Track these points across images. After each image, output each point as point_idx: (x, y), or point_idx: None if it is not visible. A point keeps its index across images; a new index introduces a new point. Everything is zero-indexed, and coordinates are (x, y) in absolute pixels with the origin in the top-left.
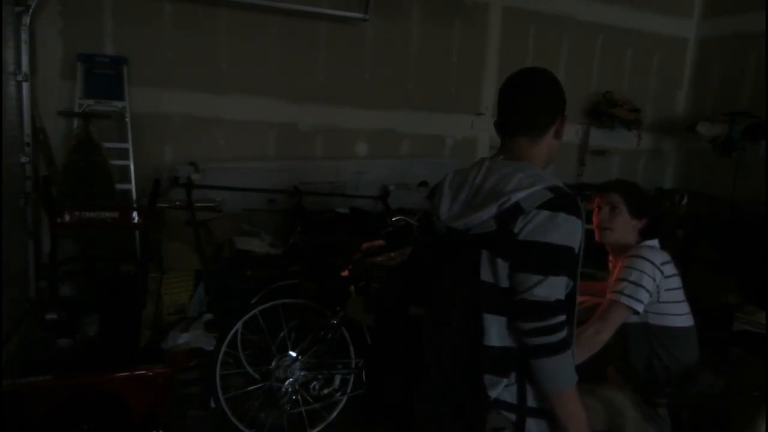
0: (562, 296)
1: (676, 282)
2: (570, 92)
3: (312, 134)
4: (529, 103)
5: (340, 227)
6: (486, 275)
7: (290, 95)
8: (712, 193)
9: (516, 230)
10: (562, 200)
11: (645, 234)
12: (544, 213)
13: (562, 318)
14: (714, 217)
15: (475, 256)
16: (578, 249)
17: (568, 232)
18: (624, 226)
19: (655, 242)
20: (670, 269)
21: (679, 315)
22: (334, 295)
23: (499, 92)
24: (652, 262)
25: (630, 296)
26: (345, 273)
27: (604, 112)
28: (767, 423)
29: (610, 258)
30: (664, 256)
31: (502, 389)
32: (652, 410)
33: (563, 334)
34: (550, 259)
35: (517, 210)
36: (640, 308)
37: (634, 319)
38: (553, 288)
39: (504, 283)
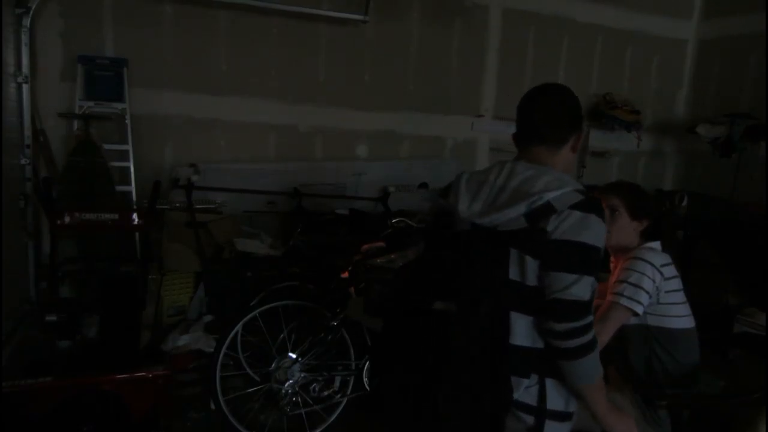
0: (590, 296)
1: (677, 284)
2: None
3: (312, 136)
4: (551, 117)
5: (340, 229)
6: (514, 273)
7: (290, 97)
8: (713, 194)
9: (549, 229)
10: (592, 202)
11: (646, 235)
12: (577, 213)
13: (592, 317)
14: (714, 218)
15: (503, 253)
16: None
17: (597, 233)
18: (624, 229)
19: (656, 244)
20: (671, 271)
21: (679, 317)
22: (334, 296)
23: (521, 104)
24: (652, 264)
25: (630, 298)
26: (345, 274)
27: (603, 113)
28: (767, 424)
29: (612, 259)
30: (665, 258)
31: (523, 391)
32: (652, 411)
33: (593, 332)
34: (584, 258)
35: (549, 209)
36: (639, 310)
37: (634, 320)
38: (586, 287)
39: (532, 281)
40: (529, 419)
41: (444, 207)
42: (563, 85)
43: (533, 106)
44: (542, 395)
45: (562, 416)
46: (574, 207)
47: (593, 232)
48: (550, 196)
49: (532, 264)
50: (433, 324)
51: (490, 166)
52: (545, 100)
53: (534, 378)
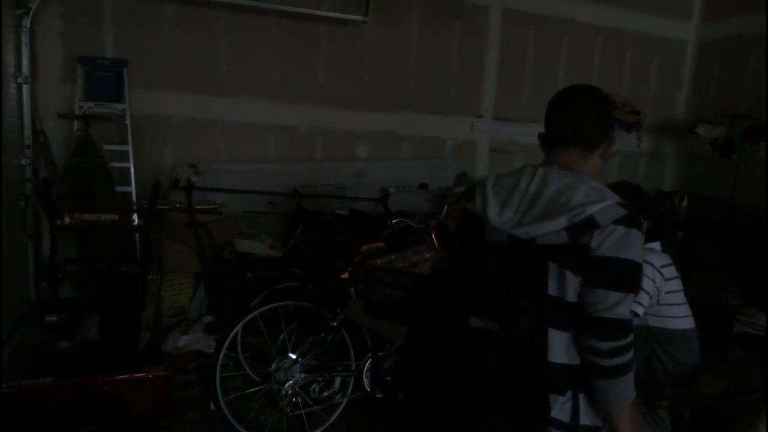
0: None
1: (677, 284)
2: None
3: (312, 136)
4: (587, 120)
5: (340, 229)
6: (552, 289)
7: (290, 97)
8: (712, 195)
9: (593, 245)
10: (633, 217)
11: (647, 236)
12: (621, 229)
13: (632, 336)
14: (714, 218)
15: (542, 268)
16: None
17: (640, 249)
18: None
19: (656, 245)
20: (671, 272)
21: (679, 317)
22: (334, 297)
23: (553, 105)
24: (652, 265)
25: None
26: (345, 275)
27: None
28: (767, 424)
29: None
30: (665, 259)
31: (558, 408)
32: (652, 412)
33: (633, 350)
34: (630, 276)
35: (592, 223)
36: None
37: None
38: (629, 306)
39: (571, 297)
40: None
41: (470, 211)
42: (598, 87)
43: (568, 108)
44: (575, 411)
45: (593, 431)
46: (618, 222)
47: (637, 248)
48: (593, 209)
49: (572, 280)
50: (473, 343)
51: (518, 170)
52: (582, 101)
53: (569, 395)
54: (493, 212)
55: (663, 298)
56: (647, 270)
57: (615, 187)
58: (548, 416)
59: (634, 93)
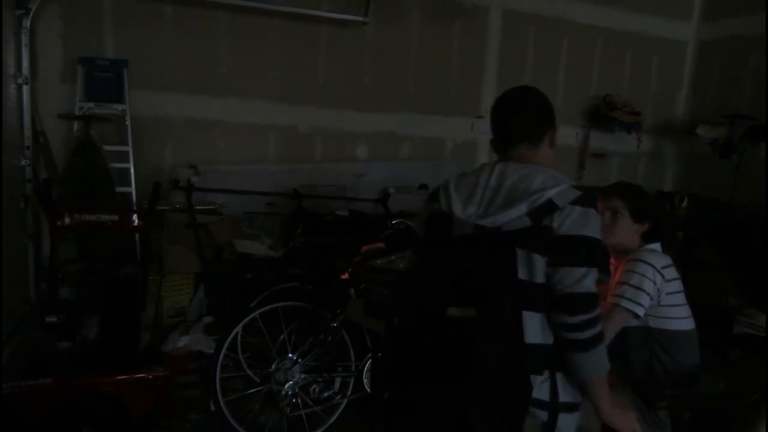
0: (596, 288)
1: (677, 285)
2: (570, 95)
3: (312, 137)
4: (527, 116)
5: (340, 230)
6: (522, 273)
7: (290, 98)
8: (712, 195)
9: (555, 225)
10: (589, 198)
11: (647, 237)
12: (578, 209)
13: (599, 309)
14: (714, 219)
15: (510, 254)
16: None
17: (597, 227)
18: (625, 231)
19: (657, 245)
20: (672, 273)
21: (679, 318)
22: (334, 297)
23: (494, 110)
24: (653, 266)
25: (631, 300)
26: (345, 276)
27: (603, 114)
28: (767, 425)
29: (612, 260)
30: (666, 260)
31: (538, 387)
32: (652, 413)
33: (601, 323)
34: (590, 252)
35: (551, 206)
36: (641, 312)
37: (634, 322)
38: (594, 280)
39: (540, 279)
40: (543, 415)
41: (436, 211)
42: (530, 86)
43: (507, 110)
44: (554, 390)
45: (572, 407)
46: (575, 203)
47: (595, 226)
48: (551, 193)
49: (539, 262)
50: (454, 332)
51: (478, 169)
52: (518, 101)
53: (546, 374)
54: (458, 208)
55: (663, 299)
56: (648, 271)
57: (615, 187)
58: (530, 396)
59: (634, 93)
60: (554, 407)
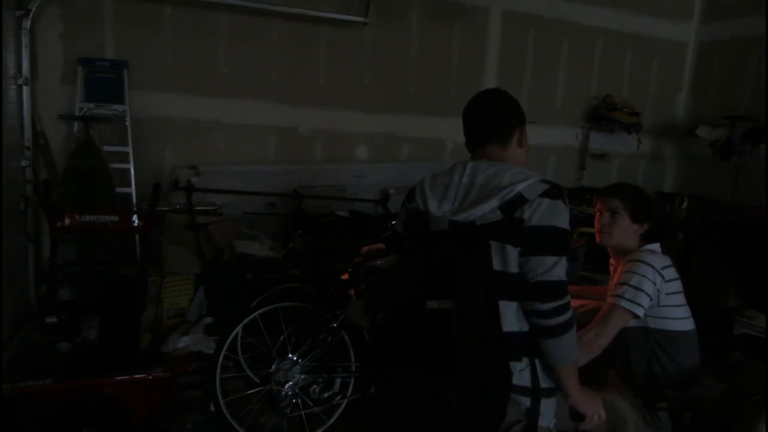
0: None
1: (677, 286)
2: (570, 96)
3: (312, 138)
4: (493, 118)
5: (340, 231)
6: (497, 264)
7: (290, 99)
8: (712, 196)
9: (525, 217)
10: (557, 190)
11: (647, 238)
12: (547, 201)
13: (570, 296)
14: (714, 220)
15: (485, 246)
16: None
17: (566, 217)
18: (625, 231)
19: (656, 246)
20: (671, 273)
21: (679, 319)
22: (334, 298)
23: (465, 113)
24: (653, 267)
25: (631, 300)
26: (345, 276)
27: (603, 115)
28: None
29: (612, 261)
30: (665, 260)
31: (518, 374)
32: (652, 414)
33: (572, 310)
34: (560, 241)
35: (520, 199)
36: (640, 312)
37: (634, 323)
38: (563, 268)
39: (513, 269)
40: (526, 401)
41: (412, 211)
42: (498, 89)
43: (475, 113)
44: (535, 375)
45: (551, 392)
46: (543, 195)
47: (564, 216)
48: (520, 187)
49: (512, 252)
50: (433, 324)
51: (450, 168)
52: (484, 104)
53: (525, 361)
54: (433, 206)
55: (663, 299)
56: (647, 272)
57: (614, 188)
58: (510, 383)
59: (634, 94)
60: (536, 393)
